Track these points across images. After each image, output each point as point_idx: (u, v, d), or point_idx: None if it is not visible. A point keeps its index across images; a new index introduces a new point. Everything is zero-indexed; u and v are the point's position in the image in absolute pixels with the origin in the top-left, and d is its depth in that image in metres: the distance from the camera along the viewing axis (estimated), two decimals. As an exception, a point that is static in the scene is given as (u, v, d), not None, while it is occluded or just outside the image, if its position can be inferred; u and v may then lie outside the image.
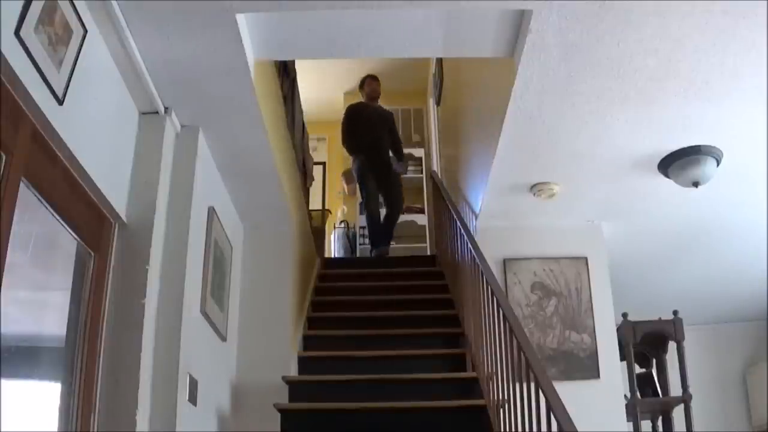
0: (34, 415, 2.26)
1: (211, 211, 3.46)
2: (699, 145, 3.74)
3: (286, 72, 4.46)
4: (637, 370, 4.72)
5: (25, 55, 1.97)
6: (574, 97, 3.26)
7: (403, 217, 6.98)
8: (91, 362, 2.50)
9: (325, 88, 8.46)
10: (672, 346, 4.73)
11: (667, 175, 3.99)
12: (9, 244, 1.94)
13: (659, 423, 4.89)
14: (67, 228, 2.42)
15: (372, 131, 6.50)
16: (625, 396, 4.51)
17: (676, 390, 4.65)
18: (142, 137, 2.93)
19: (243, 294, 4.17)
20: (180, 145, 3.14)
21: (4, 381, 1.95)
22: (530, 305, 4.63)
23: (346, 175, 8.61)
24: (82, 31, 2.31)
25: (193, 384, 3.03)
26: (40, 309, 2.48)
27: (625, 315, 4.67)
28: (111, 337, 2.61)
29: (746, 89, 3.22)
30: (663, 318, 4.68)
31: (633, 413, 4.46)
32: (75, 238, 2.48)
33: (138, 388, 2.58)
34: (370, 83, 6.75)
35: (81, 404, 2.41)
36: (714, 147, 3.75)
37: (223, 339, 3.71)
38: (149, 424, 2.66)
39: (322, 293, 5.40)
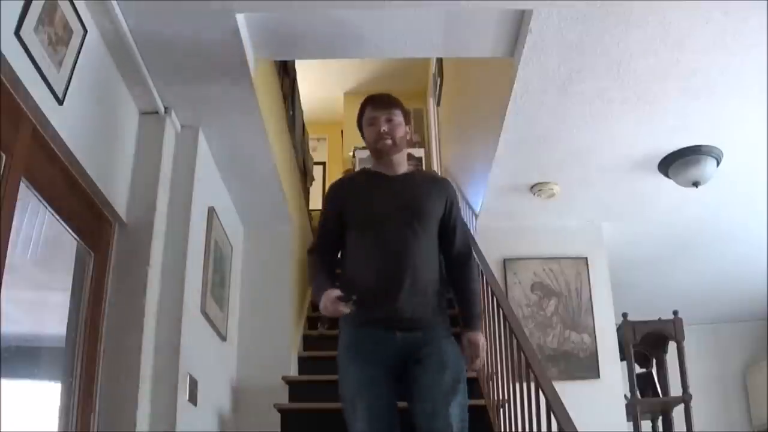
0: (34, 415, 2.26)
1: (211, 211, 3.46)
2: (699, 145, 3.74)
3: (286, 72, 4.46)
4: (637, 370, 4.72)
5: (25, 55, 1.97)
6: (574, 97, 3.26)
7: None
8: (91, 362, 2.50)
9: (325, 88, 8.46)
10: (672, 346, 4.72)
11: (667, 175, 3.99)
12: (9, 244, 1.94)
13: (659, 423, 4.89)
14: (67, 228, 2.42)
15: (385, 245, 2.38)
16: (625, 396, 4.51)
17: (676, 390, 4.65)
18: (142, 137, 2.94)
19: (243, 294, 4.17)
20: (180, 145, 3.14)
21: (4, 381, 1.95)
22: (530, 305, 4.63)
23: (346, 175, 8.59)
24: (82, 31, 2.31)
25: (193, 384, 3.03)
26: (41, 309, 2.48)
27: (625, 315, 4.67)
28: (111, 337, 2.61)
29: (746, 89, 3.22)
30: (663, 318, 4.68)
31: (633, 413, 4.45)
32: (75, 238, 2.49)
33: (138, 388, 2.58)
34: (371, 116, 2.50)
35: (81, 404, 2.41)
36: (714, 147, 3.75)
37: (223, 339, 3.71)
38: (149, 424, 2.66)
39: (322, 293, 5.39)
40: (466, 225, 2.61)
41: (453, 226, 2.48)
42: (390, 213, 2.38)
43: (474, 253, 2.59)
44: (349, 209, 2.44)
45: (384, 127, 2.43)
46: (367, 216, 2.41)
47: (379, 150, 2.45)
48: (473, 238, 2.83)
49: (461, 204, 5.15)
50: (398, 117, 2.48)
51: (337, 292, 2.22)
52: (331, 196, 2.54)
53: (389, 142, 2.43)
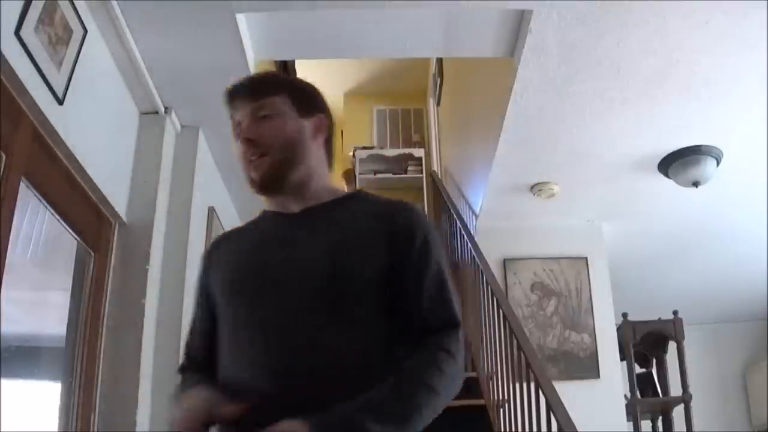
0: (34, 415, 2.26)
1: (211, 211, 3.46)
2: (699, 145, 3.74)
3: (286, 72, 4.46)
4: (637, 370, 4.72)
5: (25, 55, 1.97)
6: (574, 97, 3.26)
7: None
8: (91, 362, 2.50)
9: (325, 88, 8.41)
10: (672, 346, 4.72)
11: (667, 175, 3.99)
12: (9, 244, 1.94)
13: (659, 423, 4.89)
14: (67, 228, 2.42)
15: (260, 347, 1.21)
16: (625, 396, 4.51)
17: (676, 390, 4.65)
18: (142, 137, 2.94)
19: (243, 294, 4.16)
20: (180, 145, 3.14)
21: (4, 381, 1.95)
22: (530, 305, 4.63)
23: (347, 175, 8.62)
24: (82, 31, 2.31)
25: (193, 384, 3.03)
26: (41, 309, 2.48)
27: (625, 315, 4.67)
28: (111, 337, 2.61)
29: (746, 89, 3.22)
30: (663, 318, 4.68)
31: (633, 413, 4.45)
32: (75, 238, 2.48)
33: (138, 388, 2.58)
34: (233, 120, 1.35)
35: (81, 404, 2.41)
36: (714, 147, 3.75)
37: (223, 339, 3.71)
38: (149, 424, 2.66)
39: (322, 293, 5.38)
40: (446, 284, 1.27)
41: (412, 289, 1.24)
42: (273, 284, 1.23)
43: (454, 342, 1.23)
44: (217, 287, 1.34)
45: (247, 133, 1.29)
46: (235, 294, 1.28)
47: (251, 180, 1.32)
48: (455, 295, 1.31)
49: (463, 204, 5.20)
50: (277, 107, 1.32)
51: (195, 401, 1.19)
52: (200, 271, 1.43)
53: (255, 158, 1.29)
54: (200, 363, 1.36)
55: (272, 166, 1.29)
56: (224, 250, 1.42)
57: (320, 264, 1.22)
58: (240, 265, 1.32)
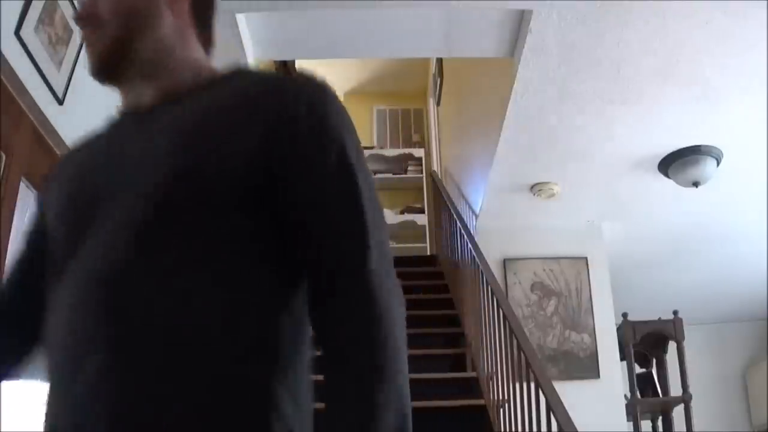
0: (34, 415, 2.26)
1: (211, 211, 3.46)
2: (699, 145, 3.74)
3: (286, 72, 4.46)
4: (637, 370, 4.72)
5: (25, 55, 1.97)
6: (574, 97, 3.26)
7: (403, 217, 6.94)
8: (91, 362, 2.49)
9: (325, 88, 8.44)
10: (672, 346, 4.72)
11: (667, 175, 3.99)
12: (9, 244, 1.94)
13: (659, 423, 4.89)
14: (67, 228, 2.42)
15: (72, 287, 0.80)
16: (625, 396, 4.51)
17: (676, 390, 4.65)
18: (142, 137, 2.93)
19: (243, 294, 4.16)
20: (180, 145, 3.14)
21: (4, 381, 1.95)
22: (530, 305, 4.63)
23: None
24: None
25: (193, 384, 3.02)
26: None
27: (625, 315, 4.67)
28: (111, 337, 2.60)
29: (746, 89, 3.22)
30: (663, 318, 4.68)
31: (633, 413, 4.45)
32: (75, 238, 2.48)
33: (138, 388, 2.57)
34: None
35: (81, 404, 2.41)
36: (714, 147, 3.76)
37: (223, 339, 3.70)
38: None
39: (322, 293, 5.38)
40: (357, 194, 0.82)
41: (301, 200, 0.81)
42: (97, 212, 0.84)
43: (375, 281, 0.84)
44: (50, 223, 0.94)
45: (79, 9, 0.96)
46: (60, 233, 0.90)
47: (89, 65, 0.94)
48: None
49: (463, 204, 5.21)
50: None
51: None
52: (37, 199, 1.07)
53: (91, 37, 0.94)
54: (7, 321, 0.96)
55: (108, 43, 0.92)
56: (66, 169, 0.98)
57: (157, 169, 0.81)
58: (72, 188, 0.91)
